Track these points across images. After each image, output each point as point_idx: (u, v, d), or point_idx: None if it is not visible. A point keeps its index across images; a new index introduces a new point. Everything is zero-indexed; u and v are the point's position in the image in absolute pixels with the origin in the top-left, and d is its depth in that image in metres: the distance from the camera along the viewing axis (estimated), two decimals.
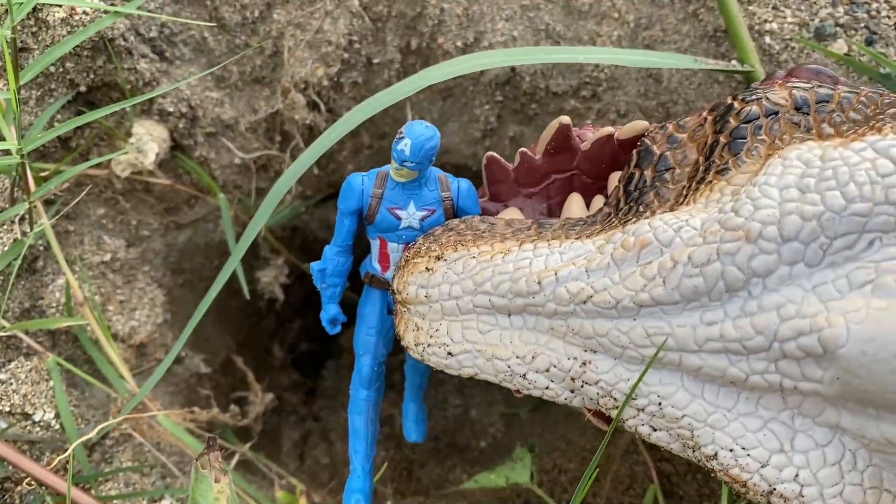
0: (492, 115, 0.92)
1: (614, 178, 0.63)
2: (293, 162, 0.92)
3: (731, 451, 0.51)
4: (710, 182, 0.53)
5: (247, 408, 1.01)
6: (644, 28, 0.85)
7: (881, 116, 0.54)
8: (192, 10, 0.86)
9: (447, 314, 0.55)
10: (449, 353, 0.56)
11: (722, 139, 0.55)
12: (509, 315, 0.54)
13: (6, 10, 0.72)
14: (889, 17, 0.80)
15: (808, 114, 0.55)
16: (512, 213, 0.64)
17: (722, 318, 0.49)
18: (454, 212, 0.63)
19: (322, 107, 0.92)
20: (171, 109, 0.86)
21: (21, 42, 0.76)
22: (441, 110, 0.94)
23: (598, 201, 0.63)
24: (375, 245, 0.65)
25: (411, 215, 0.62)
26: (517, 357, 0.54)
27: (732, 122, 0.55)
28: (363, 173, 0.63)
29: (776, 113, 0.55)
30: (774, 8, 0.81)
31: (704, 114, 0.58)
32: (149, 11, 0.82)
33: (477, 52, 0.84)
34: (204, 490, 0.52)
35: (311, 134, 0.94)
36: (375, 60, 0.91)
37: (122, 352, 0.85)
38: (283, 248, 1.04)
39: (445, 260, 0.55)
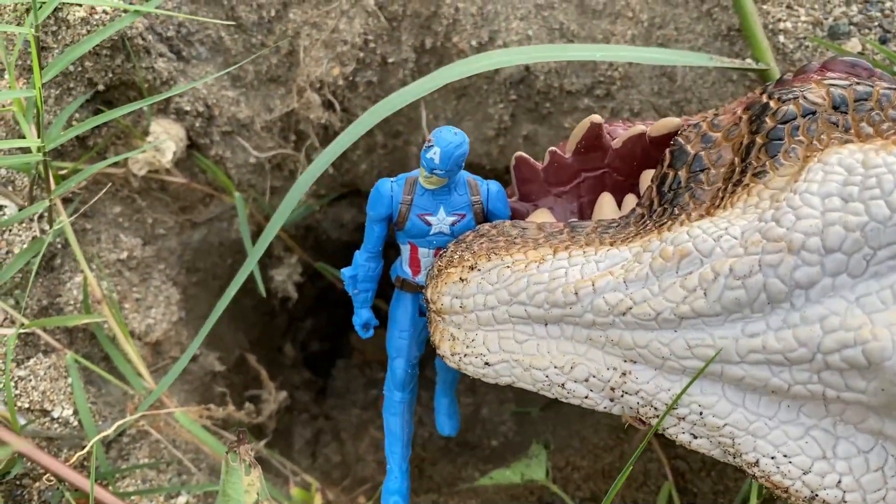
0: (506, 113, 0.93)
1: (646, 177, 0.62)
2: (308, 161, 0.93)
3: (772, 458, 0.51)
4: (748, 185, 0.52)
5: (260, 406, 1.01)
6: (658, 27, 0.86)
7: None
8: (208, 10, 0.86)
9: (483, 324, 0.55)
10: (486, 364, 0.55)
11: (758, 140, 0.54)
12: (546, 325, 0.54)
13: (27, 10, 0.72)
14: None
15: (846, 113, 0.53)
16: (542, 215, 0.64)
17: (764, 329, 0.48)
18: (484, 215, 0.63)
19: (337, 106, 0.92)
20: (187, 108, 0.87)
21: (42, 41, 0.77)
22: (455, 109, 0.95)
23: (631, 200, 0.62)
24: (406, 250, 0.65)
25: (441, 221, 0.62)
26: (555, 367, 0.54)
27: (769, 123, 0.54)
28: (392, 179, 0.63)
29: (814, 112, 0.53)
30: (788, 7, 0.82)
31: (739, 111, 0.57)
32: (167, 11, 0.82)
33: (491, 50, 0.85)
34: (234, 483, 0.52)
35: (326, 133, 0.94)
36: (390, 60, 0.91)
37: (138, 349, 0.86)
38: (296, 247, 1.05)
39: (479, 270, 0.55)
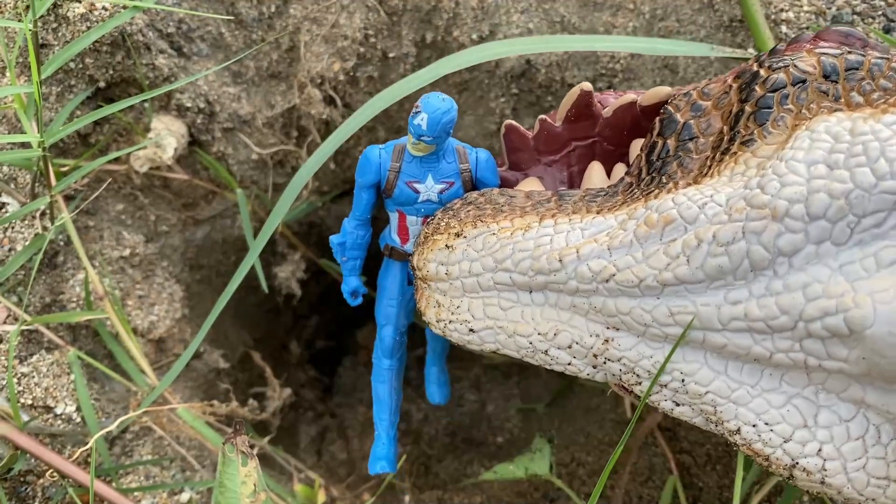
0: (507, 107, 0.92)
1: (636, 146, 0.62)
2: (310, 157, 0.92)
3: (754, 426, 0.51)
4: (735, 153, 0.52)
5: (265, 403, 1.01)
6: (659, 19, 0.85)
7: None
8: (209, 6, 0.86)
9: (468, 291, 0.55)
10: (470, 330, 0.56)
11: (747, 108, 0.53)
12: (530, 292, 0.54)
13: (27, 7, 0.72)
14: None
15: (836, 82, 0.53)
16: (531, 184, 0.63)
17: (747, 297, 0.48)
18: (473, 183, 0.63)
19: (338, 101, 0.92)
20: (188, 105, 0.87)
21: (41, 38, 0.77)
22: (457, 103, 0.94)
23: (620, 170, 0.62)
24: (394, 218, 0.65)
25: (429, 188, 0.62)
26: (539, 334, 0.54)
27: (758, 91, 0.53)
28: (380, 146, 0.63)
29: (804, 81, 0.53)
30: None
31: (729, 80, 0.57)
32: (166, 7, 0.82)
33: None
34: (231, 473, 0.52)
35: (328, 128, 0.94)
36: (391, 54, 0.91)
37: (141, 346, 0.86)
38: (299, 244, 1.05)
39: (465, 237, 0.55)
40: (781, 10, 0.81)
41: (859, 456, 0.50)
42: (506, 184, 0.65)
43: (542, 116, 0.64)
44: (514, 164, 0.66)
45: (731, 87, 0.56)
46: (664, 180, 0.54)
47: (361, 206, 0.65)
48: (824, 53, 0.54)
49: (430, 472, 1.18)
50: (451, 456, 1.20)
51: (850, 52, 0.54)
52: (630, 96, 0.62)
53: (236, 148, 0.92)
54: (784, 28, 0.80)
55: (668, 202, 0.50)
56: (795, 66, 0.53)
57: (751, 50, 0.79)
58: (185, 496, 0.81)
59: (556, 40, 0.80)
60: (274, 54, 0.90)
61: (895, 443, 0.49)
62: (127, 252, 0.88)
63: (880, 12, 0.80)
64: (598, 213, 0.54)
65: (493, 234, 0.54)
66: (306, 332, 1.35)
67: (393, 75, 0.92)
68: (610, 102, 0.64)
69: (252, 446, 0.91)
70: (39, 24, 0.74)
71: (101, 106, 0.84)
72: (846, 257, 0.46)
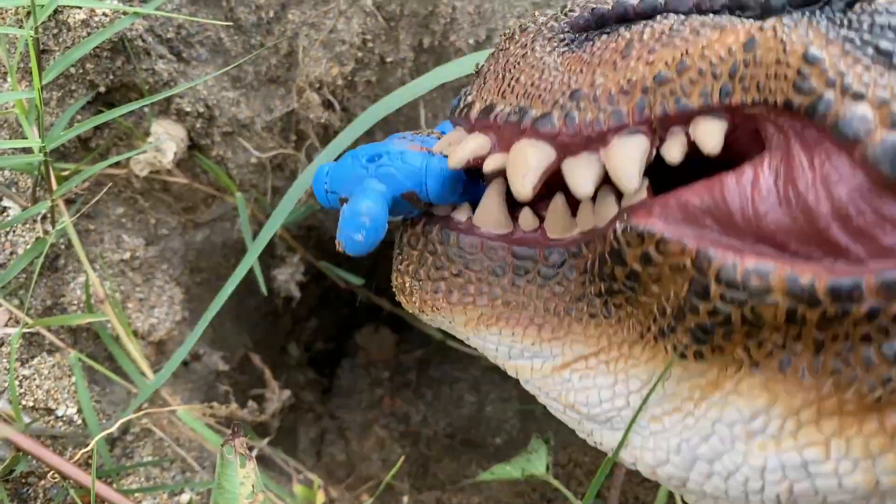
0: None
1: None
2: (308, 161, 0.93)
3: None
4: None
5: (264, 405, 1.02)
6: None
7: None
8: (208, 11, 0.87)
9: None
10: None
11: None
12: None
13: (28, 13, 0.73)
14: None
15: None
16: (495, 202, 0.58)
17: None
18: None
19: (337, 105, 0.93)
20: (188, 109, 0.87)
21: (42, 44, 0.78)
22: None
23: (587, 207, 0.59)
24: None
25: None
26: None
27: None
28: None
29: None
30: None
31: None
32: (166, 13, 0.83)
33: (489, 49, 0.85)
34: (229, 475, 0.53)
35: (326, 133, 0.95)
36: (389, 59, 0.92)
37: (141, 348, 0.86)
38: (298, 247, 1.06)
39: (426, 315, 0.57)
40: None
41: None
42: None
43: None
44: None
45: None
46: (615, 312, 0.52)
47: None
48: None
49: (428, 472, 1.19)
50: (450, 457, 1.21)
51: None
52: None
53: (235, 152, 0.93)
54: None
55: None
56: None
57: None
58: (185, 497, 0.82)
59: None
60: (273, 59, 0.91)
61: None
62: (127, 255, 0.89)
63: None
64: (539, 331, 0.53)
65: (450, 322, 0.55)
66: (305, 335, 1.36)
67: (391, 79, 0.93)
68: None
69: (251, 448, 0.92)
70: (40, 29, 0.75)
71: (102, 110, 0.84)
72: None
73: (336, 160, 0.60)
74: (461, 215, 0.56)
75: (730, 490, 0.46)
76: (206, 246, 1.00)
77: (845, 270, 0.40)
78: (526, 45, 0.54)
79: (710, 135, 0.44)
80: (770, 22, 0.44)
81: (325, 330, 1.38)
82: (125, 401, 0.85)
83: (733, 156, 0.46)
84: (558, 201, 0.53)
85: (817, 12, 0.44)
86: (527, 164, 0.48)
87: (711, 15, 0.48)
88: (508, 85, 0.51)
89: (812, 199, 0.41)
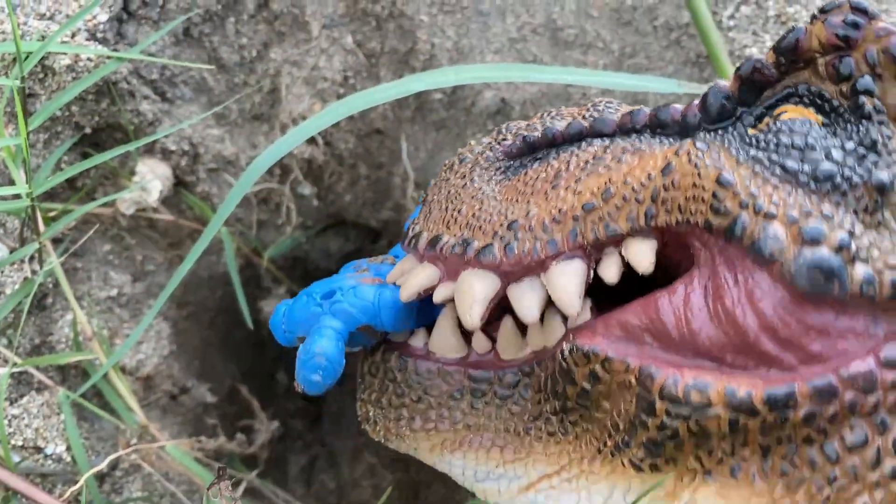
0: None
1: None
2: (293, 195, 0.95)
3: None
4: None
5: (253, 436, 1.03)
6: (629, 56, 0.88)
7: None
8: (191, 52, 0.89)
9: None
10: None
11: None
12: None
13: (14, 59, 0.75)
14: None
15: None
16: (448, 323, 0.60)
17: None
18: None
19: (320, 141, 0.95)
20: (173, 148, 0.89)
21: (28, 88, 0.79)
22: (435, 140, 0.97)
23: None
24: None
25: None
26: None
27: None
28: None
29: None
30: (754, 34, 0.84)
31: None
32: (150, 55, 0.85)
33: (468, 86, 0.87)
34: None
35: (310, 167, 0.97)
36: None
37: (129, 384, 0.87)
38: (284, 279, 1.07)
39: (391, 443, 0.60)
40: (745, 47, 0.84)
41: None
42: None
43: None
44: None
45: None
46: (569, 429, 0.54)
47: None
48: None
49: (419, 498, 1.20)
50: (440, 482, 1.21)
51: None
52: None
53: (221, 187, 0.94)
54: None
55: None
56: None
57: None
58: None
59: (529, 69, 0.83)
60: (256, 97, 0.92)
61: None
62: (115, 292, 0.90)
63: None
64: (501, 452, 0.55)
65: (415, 449, 0.58)
66: (294, 363, 1.37)
67: (373, 115, 0.95)
68: None
69: (240, 481, 0.93)
70: (26, 74, 0.76)
71: (88, 151, 0.86)
72: None
73: (291, 299, 0.62)
74: (418, 341, 0.58)
75: None
76: (193, 280, 1.01)
77: (779, 379, 0.43)
78: (465, 175, 0.57)
79: (642, 255, 0.47)
80: (685, 146, 0.46)
81: None
82: (114, 436, 0.86)
83: (672, 264, 0.49)
84: (507, 324, 0.55)
85: (730, 129, 0.47)
86: (472, 296, 0.51)
87: (634, 135, 0.51)
88: (452, 216, 0.54)
89: (740, 315, 0.44)
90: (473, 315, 0.50)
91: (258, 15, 0.90)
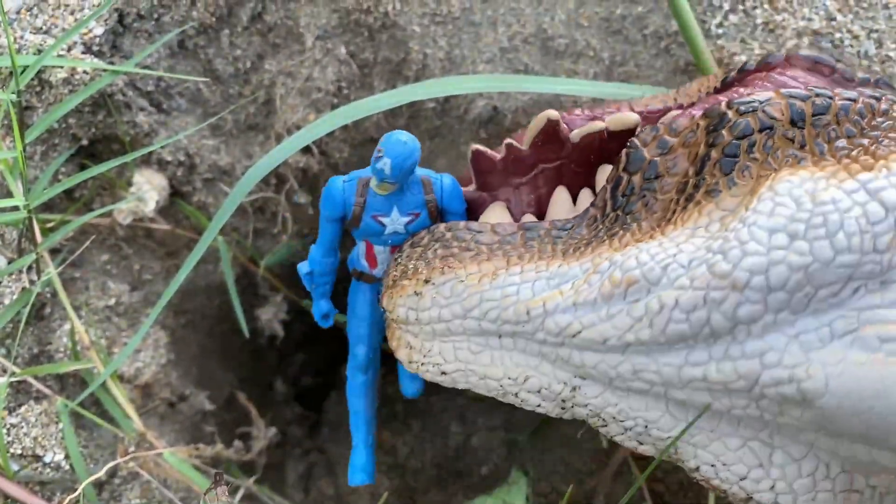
0: None
1: (603, 173, 0.63)
2: (289, 203, 0.96)
3: (712, 466, 0.54)
4: (700, 203, 0.53)
5: (251, 443, 1.03)
6: (619, 65, 0.89)
7: (875, 133, 0.54)
8: (186, 64, 0.90)
9: (438, 335, 0.57)
10: (442, 372, 0.58)
11: (714, 154, 0.54)
12: (500, 337, 0.55)
13: (10, 73, 0.76)
14: (852, 45, 0.83)
15: (802, 128, 0.54)
16: (497, 211, 0.64)
17: (706, 360, 0.50)
18: (439, 212, 0.63)
19: (315, 150, 0.96)
20: (169, 158, 0.90)
21: (25, 101, 0.80)
22: (429, 148, 0.98)
23: (586, 196, 0.63)
24: (362, 246, 0.65)
25: (395, 221, 0.62)
26: (509, 378, 0.56)
27: (725, 137, 0.54)
28: (343, 178, 0.62)
29: (771, 128, 0.54)
30: (742, 41, 0.85)
31: (697, 117, 0.57)
32: (146, 67, 0.86)
33: (459, 93, 0.88)
34: None
35: (305, 176, 0.98)
36: None
37: (128, 392, 0.88)
38: (281, 286, 1.08)
39: (433, 283, 0.56)
40: (734, 54, 0.85)
41: (809, 490, 0.53)
42: (473, 205, 0.66)
43: (509, 140, 0.65)
44: (483, 186, 0.67)
45: (697, 125, 0.57)
46: (629, 220, 0.56)
47: (328, 238, 0.66)
48: (792, 97, 0.55)
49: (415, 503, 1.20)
50: (437, 489, 1.22)
51: (818, 96, 0.55)
52: (598, 124, 0.63)
53: (217, 197, 0.95)
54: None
55: (631, 260, 0.51)
56: (764, 111, 0.54)
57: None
58: None
59: (521, 80, 0.84)
60: (251, 107, 0.93)
61: (842, 475, 0.53)
62: (112, 301, 0.91)
63: (827, 54, 0.84)
64: (563, 255, 0.56)
65: (461, 280, 0.55)
66: (292, 370, 1.38)
67: (367, 124, 0.96)
68: (577, 125, 0.65)
69: (237, 488, 0.93)
70: (23, 88, 0.78)
71: (85, 162, 0.87)
72: (802, 326, 0.48)
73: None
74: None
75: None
76: (190, 288, 1.02)
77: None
78: None
79: None
80: None
81: (311, 365, 1.40)
82: (112, 444, 0.87)
83: None
84: (560, 195, 0.63)
85: None
86: None
87: None
88: None
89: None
90: None
91: (252, 27, 0.91)
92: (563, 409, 0.57)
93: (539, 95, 0.91)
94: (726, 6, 0.85)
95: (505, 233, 0.59)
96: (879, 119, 0.55)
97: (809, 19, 0.84)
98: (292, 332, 1.22)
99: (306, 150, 0.96)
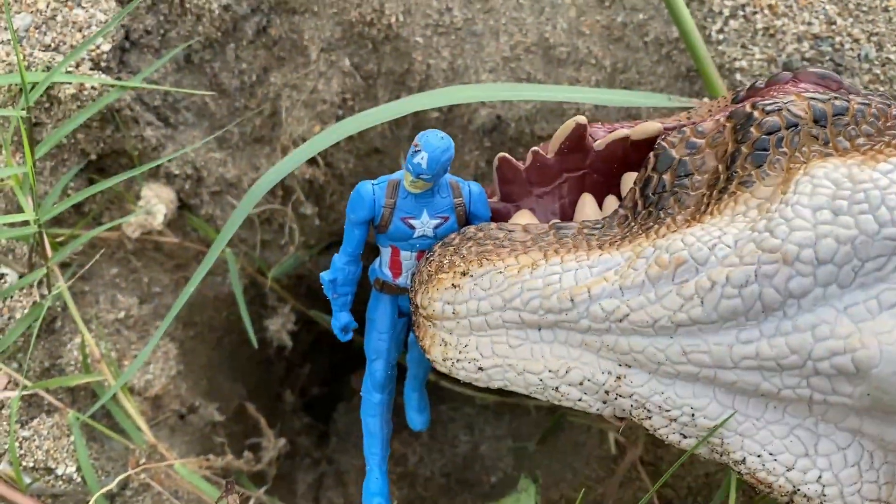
0: (481, 160, 0.97)
1: (628, 179, 0.63)
2: (295, 214, 0.97)
3: (758, 456, 0.54)
4: (734, 193, 0.54)
5: (260, 453, 1.04)
6: (621, 72, 0.90)
7: (894, 132, 0.55)
8: (193, 78, 0.91)
9: (476, 330, 0.55)
10: (479, 368, 0.56)
11: (744, 149, 0.55)
12: (540, 329, 0.54)
13: (20, 90, 0.77)
14: (853, 49, 0.84)
15: (825, 126, 0.55)
16: (524, 216, 0.64)
17: (758, 336, 0.50)
18: (467, 217, 0.63)
19: (320, 162, 0.96)
20: (176, 172, 0.91)
21: (35, 117, 0.82)
22: None
23: (611, 202, 0.64)
24: (386, 252, 0.65)
25: (425, 224, 0.61)
26: (549, 371, 0.55)
27: (754, 133, 0.55)
28: (373, 181, 0.62)
29: (796, 125, 0.55)
30: (743, 47, 0.86)
31: (722, 120, 0.58)
32: (152, 82, 0.87)
33: (463, 104, 0.89)
34: None
35: (311, 187, 0.99)
36: None
37: (138, 405, 0.89)
38: (289, 297, 1.08)
39: (472, 276, 0.55)
40: (735, 59, 0.86)
41: (855, 481, 0.53)
42: (497, 216, 0.66)
43: (535, 149, 0.65)
44: (506, 196, 0.67)
45: (724, 126, 0.58)
46: (662, 215, 0.56)
47: (353, 243, 0.64)
48: (814, 98, 0.57)
49: None
50: (446, 498, 1.22)
51: (836, 98, 0.57)
52: (622, 131, 0.64)
53: (224, 209, 0.96)
54: (738, 76, 0.85)
55: (677, 242, 0.52)
56: (789, 110, 0.56)
57: (706, 98, 0.84)
58: None
59: (523, 88, 0.85)
60: (257, 120, 0.94)
61: (885, 466, 0.53)
62: (122, 314, 0.91)
63: (828, 57, 0.84)
64: (600, 248, 0.56)
65: (500, 272, 0.55)
66: (300, 381, 1.38)
67: (372, 134, 0.96)
68: (600, 136, 0.65)
69: (248, 498, 0.94)
70: (32, 104, 0.79)
71: (94, 177, 0.88)
72: (850, 299, 0.49)
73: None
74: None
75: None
76: (199, 300, 1.02)
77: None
78: None
79: None
80: None
81: (319, 375, 1.40)
82: (123, 456, 0.87)
83: None
84: (586, 199, 0.63)
85: None
86: None
87: None
88: None
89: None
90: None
91: (257, 41, 0.92)
92: (605, 402, 0.55)
93: (542, 104, 0.92)
94: (726, 12, 0.86)
95: (538, 231, 0.59)
96: (894, 121, 0.57)
97: (809, 23, 0.84)
98: (300, 342, 1.23)
99: (312, 161, 0.97)
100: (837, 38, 0.85)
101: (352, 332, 0.70)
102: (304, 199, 0.98)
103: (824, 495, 0.53)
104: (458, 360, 0.57)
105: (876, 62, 0.83)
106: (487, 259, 0.56)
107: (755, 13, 0.86)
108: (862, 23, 0.84)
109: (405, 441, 1.35)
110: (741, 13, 0.86)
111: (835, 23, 0.84)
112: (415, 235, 0.62)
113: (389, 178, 0.62)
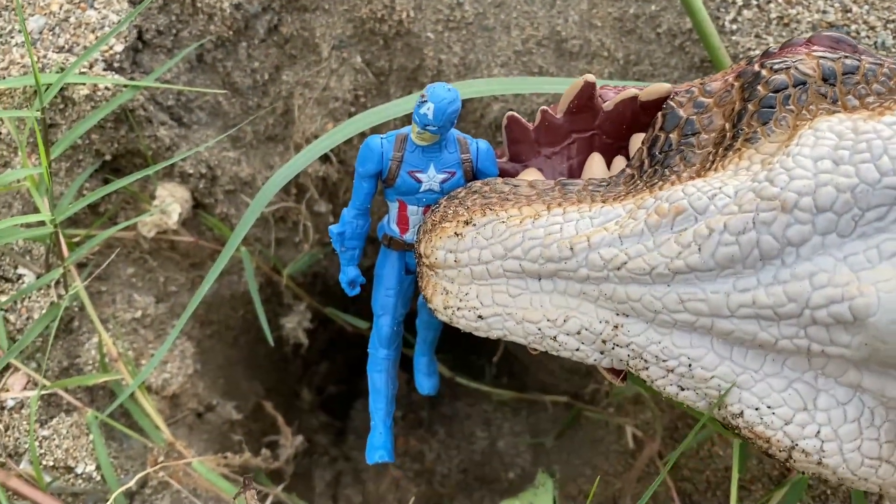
0: None
1: (636, 140, 0.63)
2: (309, 212, 0.97)
3: (756, 409, 0.53)
4: (739, 150, 0.54)
5: (278, 451, 1.04)
6: (634, 64, 0.89)
7: None
8: (205, 77, 0.91)
9: (477, 278, 0.56)
10: (479, 317, 0.57)
11: (751, 107, 0.55)
12: (539, 279, 0.55)
13: (34, 92, 0.78)
14: (868, 37, 0.83)
15: (834, 85, 0.55)
16: (532, 174, 0.64)
17: (755, 285, 0.50)
18: (474, 173, 0.64)
19: (333, 159, 0.96)
20: (191, 171, 0.91)
21: (49, 119, 0.82)
22: None
23: (619, 162, 0.64)
24: (394, 207, 0.65)
25: (431, 178, 0.62)
26: (548, 320, 0.55)
27: (761, 91, 0.56)
28: (381, 136, 0.63)
29: (804, 83, 0.55)
30: (757, 36, 0.85)
31: (730, 79, 0.58)
32: (165, 82, 0.87)
33: (476, 97, 0.89)
34: None
35: (325, 184, 0.99)
36: None
37: (156, 403, 0.89)
38: (304, 295, 1.09)
39: (474, 225, 0.56)
40: (749, 50, 0.85)
41: (854, 437, 0.52)
42: (505, 174, 0.66)
43: (544, 108, 0.65)
44: (515, 156, 0.67)
45: (732, 85, 0.58)
46: (667, 173, 0.56)
47: (361, 196, 0.65)
48: (823, 57, 0.56)
49: None
50: (464, 494, 1.22)
51: (846, 57, 0.57)
52: (632, 91, 0.64)
53: (238, 208, 0.96)
54: None
55: (677, 192, 0.52)
56: (797, 68, 0.56)
57: None
58: None
59: (535, 82, 0.84)
60: (270, 118, 0.94)
61: (888, 425, 0.52)
62: (139, 314, 0.92)
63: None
64: (603, 202, 0.56)
65: (503, 221, 0.55)
66: (317, 379, 1.38)
67: (384, 131, 0.96)
68: (610, 97, 0.65)
69: (266, 496, 0.94)
70: (47, 105, 0.79)
71: (108, 178, 0.88)
72: (850, 248, 0.48)
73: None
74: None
75: None
76: (215, 299, 1.03)
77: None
78: None
79: None
80: None
81: (336, 373, 1.41)
82: (142, 455, 0.88)
83: None
84: (595, 158, 0.64)
85: None
86: None
87: None
88: None
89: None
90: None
91: (269, 39, 0.92)
92: (602, 352, 0.56)
93: (554, 97, 0.91)
94: (740, 1, 0.85)
95: (543, 187, 0.59)
96: None
97: (824, 11, 0.83)
98: (316, 340, 1.23)
99: (325, 158, 0.97)
100: (853, 26, 0.84)
101: (359, 287, 0.70)
102: (318, 197, 0.98)
103: (823, 451, 0.52)
104: (458, 309, 0.57)
105: (893, 49, 0.82)
106: (491, 209, 0.56)
107: (769, 2, 0.85)
108: (878, 10, 0.83)
109: (422, 438, 1.35)
110: (755, 2, 0.85)
111: (850, 10, 0.83)
112: (421, 189, 0.63)
113: (398, 132, 0.63)
